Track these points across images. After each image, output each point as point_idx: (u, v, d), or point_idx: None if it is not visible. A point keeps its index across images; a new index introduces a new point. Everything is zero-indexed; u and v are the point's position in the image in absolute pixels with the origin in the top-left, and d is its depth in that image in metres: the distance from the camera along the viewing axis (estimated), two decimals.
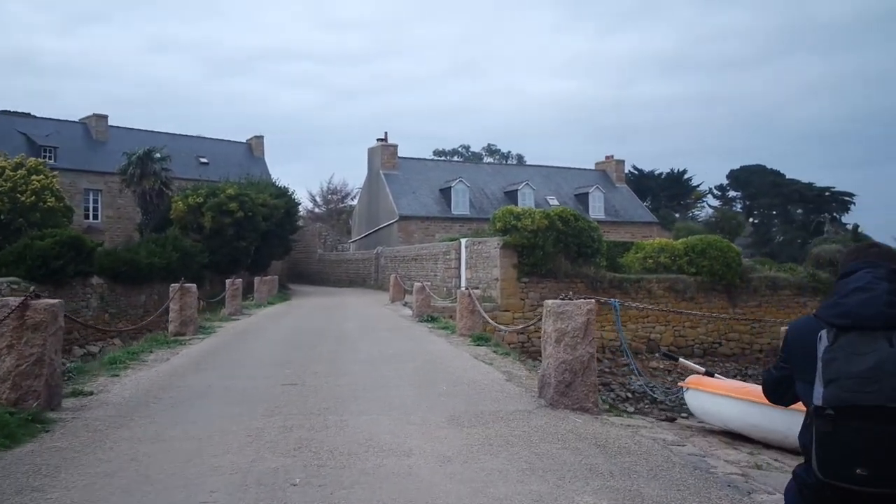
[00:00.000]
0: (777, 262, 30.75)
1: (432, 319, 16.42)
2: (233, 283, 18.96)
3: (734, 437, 5.59)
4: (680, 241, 25.88)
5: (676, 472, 4.28)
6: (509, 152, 78.72)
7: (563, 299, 6.10)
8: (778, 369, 2.65)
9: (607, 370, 19.95)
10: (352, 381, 7.91)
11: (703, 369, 6.19)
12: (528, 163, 61.84)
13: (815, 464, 2.23)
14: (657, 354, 19.08)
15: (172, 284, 13.79)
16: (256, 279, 25.13)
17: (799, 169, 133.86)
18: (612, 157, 50.38)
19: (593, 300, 6.11)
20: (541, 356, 6.64)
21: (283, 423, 5.67)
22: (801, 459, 2.46)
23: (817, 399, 2.26)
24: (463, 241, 24.55)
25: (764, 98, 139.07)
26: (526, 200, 40.65)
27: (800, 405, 2.51)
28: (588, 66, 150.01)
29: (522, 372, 8.39)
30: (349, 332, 13.80)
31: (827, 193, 60.09)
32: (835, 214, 59.02)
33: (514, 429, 5.34)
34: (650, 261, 24.28)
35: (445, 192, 41.76)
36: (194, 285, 13.99)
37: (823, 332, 2.34)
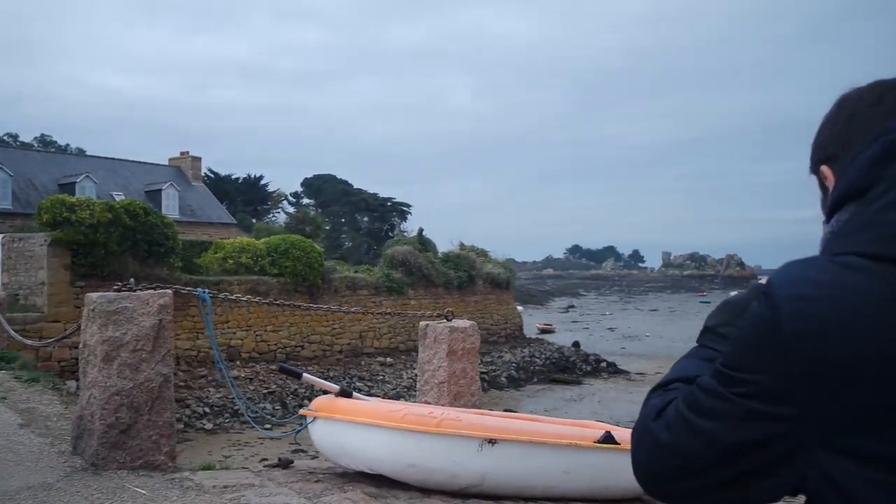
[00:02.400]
0: (350, 263, 31.75)
1: None
2: None
3: (378, 480, 3.90)
4: (262, 240, 24.65)
5: None
6: (68, 146, 68.12)
7: (119, 290, 3.74)
8: (738, 419, 0.79)
9: (182, 383, 17.39)
10: None
11: (336, 387, 4.36)
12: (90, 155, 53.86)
13: None
14: (275, 368, 17.11)
15: None
16: None
17: (365, 180, 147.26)
18: (189, 153, 46.74)
19: (170, 291, 3.88)
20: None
21: None
22: None
23: None
24: None
25: (335, 114, 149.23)
26: (86, 195, 34.72)
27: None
28: (162, 64, 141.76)
29: (54, 408, 5.55)
30: None
31: (389, 203, 66.69)
32: (395, 221, 65.28)
33: None
34: (230, 261, 22.59)
35: None
36: None
37: None
